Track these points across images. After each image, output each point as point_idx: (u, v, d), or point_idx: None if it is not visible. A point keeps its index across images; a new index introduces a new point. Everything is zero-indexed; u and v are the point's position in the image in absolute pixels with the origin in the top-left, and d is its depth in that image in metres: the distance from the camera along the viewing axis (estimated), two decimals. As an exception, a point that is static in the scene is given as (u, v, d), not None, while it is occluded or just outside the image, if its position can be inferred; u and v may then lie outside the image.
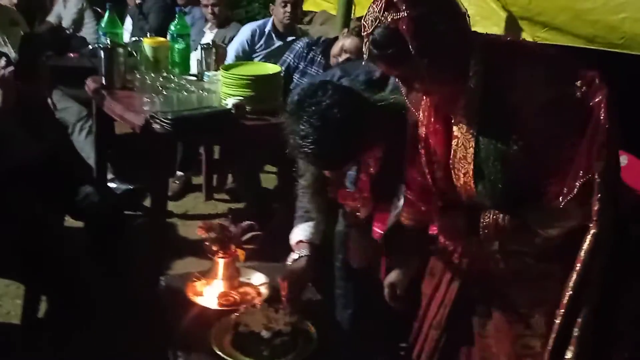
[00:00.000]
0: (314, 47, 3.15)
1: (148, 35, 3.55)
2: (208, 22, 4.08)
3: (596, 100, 1.18)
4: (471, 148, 1.28)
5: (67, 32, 5.25)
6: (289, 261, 1.78)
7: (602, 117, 1.18)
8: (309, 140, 1.43)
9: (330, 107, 1.44)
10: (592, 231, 1.21)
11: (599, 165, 1.18)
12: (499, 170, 1.25)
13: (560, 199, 1.21)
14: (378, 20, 1.20)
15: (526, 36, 3.23)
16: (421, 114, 1.40)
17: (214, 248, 1.76)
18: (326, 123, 1.42)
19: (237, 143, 2.84)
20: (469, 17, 1.27)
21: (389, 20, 1.18)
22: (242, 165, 3.41)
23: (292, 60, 3.18)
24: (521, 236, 1.32)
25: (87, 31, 5.44)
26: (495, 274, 1.40)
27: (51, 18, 5.60)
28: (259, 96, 2.53)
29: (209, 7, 3.98)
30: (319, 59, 3.11)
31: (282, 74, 3.16)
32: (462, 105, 1.28)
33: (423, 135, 1.41)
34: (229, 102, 2.44)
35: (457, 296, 1.48)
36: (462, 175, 1.32)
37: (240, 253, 1.78)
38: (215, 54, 3.10)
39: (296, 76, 3.18)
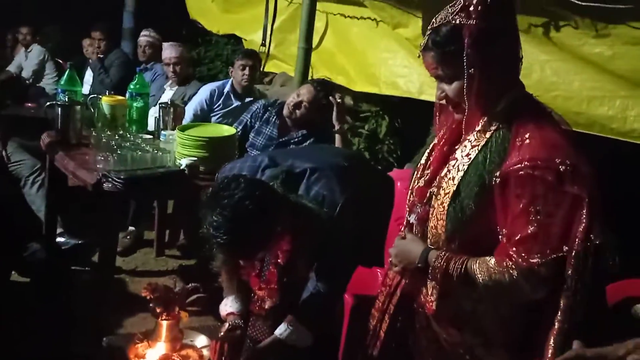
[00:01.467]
0: (269, 108, 3.26)
1: (108, 89, 3.62)
2: (169, 80, 4.16)
3: (577, 189, 1.24)
4: (462, 171, 1.35)
5: (27, 82, 5.27)
6: (221, 333, 1.80)
7: (584, 217, 1.24)
8: (221, 232, 1.51)
9: (241, 199, 1.52)
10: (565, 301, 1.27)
11: (574, 253, 1.24)
12: (473, 195, 1.32)
13: (512, 266, 1.27)
14: (447, 19, 1.30)
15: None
16: (440, 134, 1.50)
17: (158, 310, 1.78)
18: (236, 215, 1.51)
19: (189, 202, 2.88)
20: (521, 63, 1.38)
21: (457, 22, 1.28)
22: (193, 223, 3.43)
23: (249, 120, 3.29)
24: (465, 289, 1.37)
25: (48, 82, 5.48)
26: (425, 311, 1.46)
27: (11, 67, 5.62)
28: (214, 157, 2.59)
29: (171, 65, 4.08)
30: (273, 119, 3.22)
31: (237, 135, 3.27)
32: (478, 129, 1.37)
33: (429, 148, 1.52)
34: (183, 163, 2.50)
35: (389, 329, 1.54)
36: (442, 194, 1.38)
37: (184, 315, 1.80)
38: (173, 112, 3.17)
39: (252, 135, 3.28)
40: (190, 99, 3.81)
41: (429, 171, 1.49)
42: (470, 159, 1.35)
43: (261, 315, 1.90)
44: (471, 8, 1.29)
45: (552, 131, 1.30)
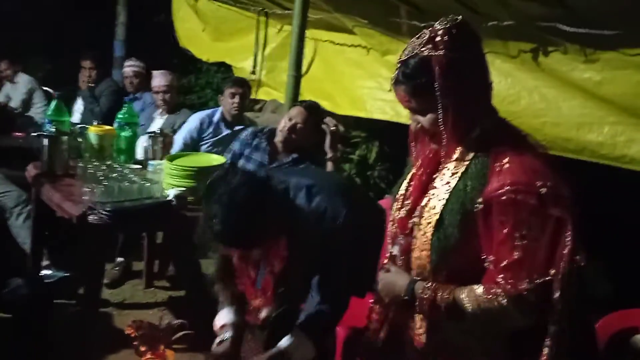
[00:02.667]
0: (259, 134, 3.24)
1: (99, 119, 3.59)
2: (158, 108, 4.14)
3: (559, 211, 1.23)
4: (443, 199, 1.34)
5: (15, 111, 5.23)
6: (214, 345, 1.78)
7: (568, 239, 1.23)
8: (217, 219, 1.53)
9: (238, 187, 1.56)
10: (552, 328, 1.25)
11: (561, 276, 1.22)
12: (457, 223, 1.30)
13: (501, 293, 1.25)
14: (415, 52, 1.31)
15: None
16: (418, 164, 1.49)
17: (142, 348, 1.72)
18: (232, 201, 1.54)
19: (177, 233, 2.83)
20: (492, 89, 1.38)
21: (425, 53, 1.29)
22: (182, 254, 3.38)
23: (238, 148, 3.26)
24: (454, 320, 1.34)
25: (36, 111, 5.43)
26: (414, 344, 1.43)
27: (-1, 97, 5.58)
28: (202, 187, 2.55)
29: (160, 93, 4.06)
30: (263, 145, 3.19)
31: (227, 164, 3.23)
32: (455, 156, 1.36)
33: (408, 178, 1.50)
34: (171, 193, 2.46)
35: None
36: (425, 224, 1.36)
37: (170, 354, 1.75)
38: (162, 142, 3.15)
39: (241, 162, 3.25)
40: (180, 127, 3.79)
41: (409, 201, 1.47)
42: (450, 187, 1.35)
43: (257, 326, 1.89)
44: (437, 39, 1.29)
45: (529, 155, 1.30)
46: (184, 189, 2.48)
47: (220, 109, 3.70)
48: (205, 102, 5.58)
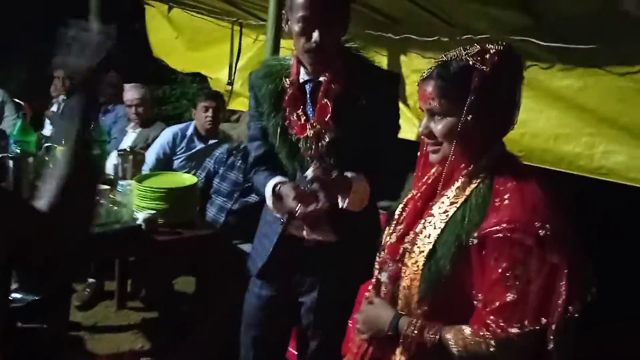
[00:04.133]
0: (234, 152, 3.19)
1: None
2: (131, 122, 4.05)
3: (556, 258, 1.17)
4: (439, 229, 1.28)
5: (-15, 125, 5.08)
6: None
7: (563, 288, 1.16)
8: None
9: None
10: None
11: (555, 327, 1.16)
12: (450, 256, 1.25)
13: (489, 336, 1.19)
14: (461, 57, 1.27)
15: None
16: (415, 188, 1.44)
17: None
18: None
19: (148, 259, 2.74)
20: (512, 126, 1.33)
21: (471, 63, 1.25)
22: (153, 276, 3.29)
23: (212, 166, 3.20)
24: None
25: (8, 124, 5.28)
26: None
27: (-32, 111, 5.42)
28: (174, 209, 2.48)
29: (133, 107, 3.97)
30: (238, 163, 3.14)
31: (201, 182, 3.15)
32: (457, 185, 1.31)
33: (403, 203, 1.45)
34: (140, 217, 2.37)
35: None
36: (417, 253, 1.30)
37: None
38: (132, 159, 3.06)
39: (216, 181, 3.19)
40: (154, 141, 3.71)
41: (401, 226, 1.42)
42: (447, 216, 1.29)
43: (317, 157, 1.78)
44: (487, 55, 1.26)
45: (532, 192, 1.24)
46: (154, 211, 2.39)
47: (193, 123, 3.63)
48: (181, 113, 5.47)
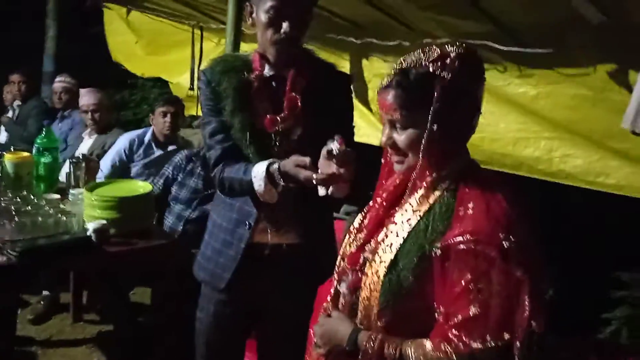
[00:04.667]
0: (193, 159, 3.11)
1: (26, 143, 3.33)
2: (87, 128, 3.92)
3: (520, 272, 1.12)
4: (401, 238, 1.23)
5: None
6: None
7: (526, 303, 1.12)
8: None
9: None
10: None
11: (518, 344, 1.11)
12: (412, 267, 1.19)
13: (451, 351, 1.14)
14: (420, 63, 1.21)
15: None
16: (377, 195, 1.38)
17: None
18: None
19: (99, 271, 2.64)
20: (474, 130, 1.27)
21: (431, 69, 1.19)
22: (108, 288, 3.18)
23: (171, 173, 3.12)
24: None
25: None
26: None
27: None
28: (126, 218, 2.38)
29: (89, 112, 3.85)
30: (198, 170, 3.07)
31: (159, 189, 3.06)
32: (421, 193, 1.25)
33: (366, 209, 1.40)
34: (90, 227, 2.27)
35: None
36: (378, 262, 1.25)
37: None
38: (86, 167, 2.94)
39: (174, 188, 3.10)
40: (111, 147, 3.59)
41: (362, 235, 1.36)
42: (410, 225, 1.23)
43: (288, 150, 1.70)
44: (447, 60, 1.19)
45: (497, 202, 1.18)
46: (105, 221, 2.30)
47: (151, 129, 3.53)
48: (141, 119, 5.35)
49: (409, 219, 1.24)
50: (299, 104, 1.73)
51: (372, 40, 3.12)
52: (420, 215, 1.23)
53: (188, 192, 3.04)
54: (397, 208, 1.30)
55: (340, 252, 1.42)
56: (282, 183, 1.63)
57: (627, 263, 2.90)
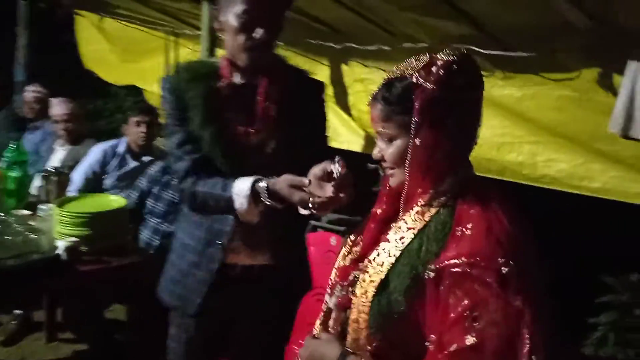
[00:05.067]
0: (169, 170, 3.00)
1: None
2: (60, 139, 3.79)
3: (519, 301, 1.03)
4: (393, 257, 1.15)
5: None
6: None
7: (527, 335, 1.02)
8: None
9: None
10: None
11: None
12: (404, 289, 1.11)
13: None
14: (405, 74, 1.15)
15: (384, 155, 3.33)
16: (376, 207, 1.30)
17: None
18: None
19: (71, 291, 2.53)
20: (475, 141, 1.19)
21: (415, 80, 1.12)
22: (81, 308, 3.05)
23: (146, 185, 3.01)
24: None
25: None
26: None
27: None
28: (99, 235, 2.27)
29: (61, 123, 3.72)
30: (174, 182, 2.95)
31: (134, 202, 2.95)
32: (416, 209, 1.17)
33: (365, 220, 1.31)
34: (60, 245, 2.16)
35: None
36: (367, 282, 1.17)
37: None
38: (57, 181, 2.83)
39: (150, 201, 2.99)
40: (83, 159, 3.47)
41: (358, 249, 1.28)
42: (404, 244, 1.15)
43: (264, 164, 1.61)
44: (433, 69, 1.11)
45: (498, 222, 1.09)
46: (76, 239, 2.19)
47: (125, 139, 3.41)
48: (115, 128, 5.18)
49: (403, 237, 1.16)
50: (273, 114, 1.64)
51: (352, 45, 3.06)
52: (414, 234, 1.15)
53: (164, 205, 2.94)
54: (392, 224, 1.22)
55: (335, 264, 1.34)
56: (268, 202, 1.51)
57: (611, 266, 2.88)
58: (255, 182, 1.52)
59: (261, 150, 1.64)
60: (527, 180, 2.63)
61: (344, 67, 3.34)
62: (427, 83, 1.11)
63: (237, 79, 1.65)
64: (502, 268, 1.04)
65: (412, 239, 1.15)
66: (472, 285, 1.04)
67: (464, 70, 1.14)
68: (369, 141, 3.36)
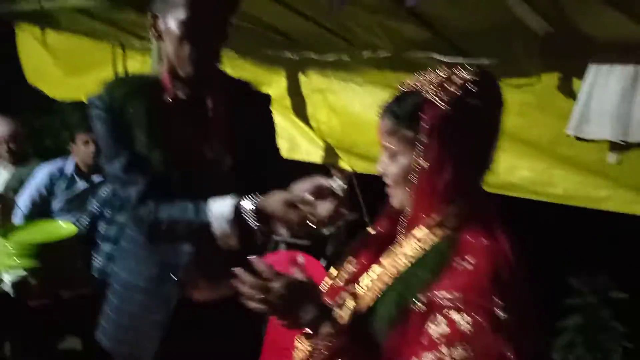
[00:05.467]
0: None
1: None
2: (2, 160, 3.57)
3: (510, 349, 0.94)
4: (384, 283, 1.08)
5: None
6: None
7: None
8: None
9: None
10: None
11: None
12: (391, 318, 1.03)
13: None
14: (417, 88, 1.06)
15: (344, 165, 3.28)
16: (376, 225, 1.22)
17: None
18: None
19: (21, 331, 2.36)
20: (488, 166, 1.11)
21: (428, 95, 1.04)
22: (31, 343, 2.86)
23: (97, 209, 2.84)
24: None
25: None
26: None
27: None
28: (49, 266, 2.12)
29: (3, 143, 3.50)
30: (128, 204, 2.80)
31: (85, 228, 2.79)
32: (417, 236, 1.08)
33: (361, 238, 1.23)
34: (6, 280, 2.00)
35: None
36: (353, 308, 1.11)
37: None
38: (2, 207, 2.65)
39: (103, 226, 2.83)
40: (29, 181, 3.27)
41: (352, 267, 1.21)
42: (397, 270, 1.08)
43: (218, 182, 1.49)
44: (448, 86, 1.03)
45: (504, 260, 1.01)
46: (23, 272, 2.03)
47: (72, 159, 3.22)
48: (61, 146, 4.95)
49: (396, 263, 1.09)
50: (226, 128, 1.52)
51: (310, 54, 2.99)
52: (410, 261, 1.08)
53: (118, 229, 2.78)
54: (389, 247, 1.15)
55: (326, 278, 1.26)
56: (256, 226, 1.37)
57: (575, 268, 2.90)
58: (238, 203, 1.39)
59: (217, 167, 1.52)
60: (489, 188, 2.62)
61: (301, 77, 3.27)
62: (440, 101, 1.04)
63: (180, 92, 1.52)
64: (499, 312, 0.95)
65: (407, 266, 1.07)
66: (460, 321, 0.96)
67: (482, 91, 1.06)
68: (329, 152, 3.31)
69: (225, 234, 1.38)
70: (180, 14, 1.40)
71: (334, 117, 3.14)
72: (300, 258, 2.43)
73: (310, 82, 3.20)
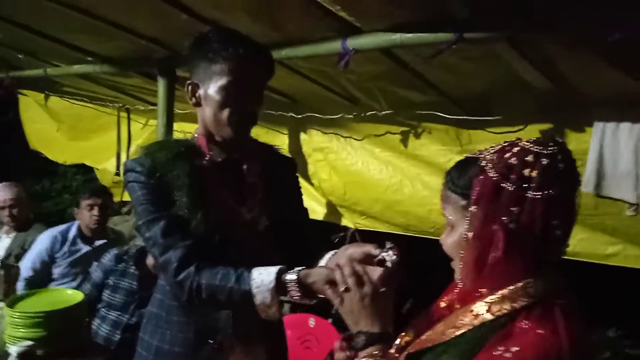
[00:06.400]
0: (124, 258, 2.80)
1: None
2: (5, 226, 3.55)
3: None
4: (432, 354, 1.01)
5: None
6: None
7: None
8: None
9: None
10: None
11: None
12: None
13: None
14: (481, 156, 0.98)
15: (347, 222, 3.28)
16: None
17: None
18: None
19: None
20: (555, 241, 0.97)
21: (484, 164, 0.96)
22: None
23: (100, 277, 2.79)
24: None
25: None
26: None
27: None
28: (56, 335, 2.06)
29: (6, 208, 3.49)
30: (131, 270, 2.74)
31: (91, 296, 2.73)
32: (470, 308, 1.00)
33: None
34: (12, 351, 1.95)
35: None
36: None
37: None
38: (5, 275, 2.61)
39: (106, 293, 2.77)
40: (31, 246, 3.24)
41: (411, 333, 1.13)
42: (444, 340, 1.00)
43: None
44: (505, 154, 0.95)
45: (554, 350, 0.90)
46: (30, 342, 1.98)
47: (76, 223, 3.21)
48: (63, 210, 4.96)
49: (445, 334, 1.02)
50: (261, 190, 1.55)
51: (313, 114, 3.04)
52: (456, 334, 1.00)
53: (123, 296, 2.72)
54: (446, 317, 1.08)
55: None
56: (297, 297, 1.33)
57: (589, 322, 2.85)
58: (281, 272, 1.35)
59: (254, 229, 1.54)
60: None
61: (302, 136, 3.31)
62: (492, 169, 0.96)
63: (216, 155, 1.54)
64: None
65: (453, 338, 0.99)
66: None
67: (547, 164, 0.94)
68: (331, 209, 3.31)
69: (266, 303, 1.35)
70: (222, 80, 1.45)
71: (335, 175, 3.17)
72: (312, 320, 2.38)
73: (311, 140, 3.24)
